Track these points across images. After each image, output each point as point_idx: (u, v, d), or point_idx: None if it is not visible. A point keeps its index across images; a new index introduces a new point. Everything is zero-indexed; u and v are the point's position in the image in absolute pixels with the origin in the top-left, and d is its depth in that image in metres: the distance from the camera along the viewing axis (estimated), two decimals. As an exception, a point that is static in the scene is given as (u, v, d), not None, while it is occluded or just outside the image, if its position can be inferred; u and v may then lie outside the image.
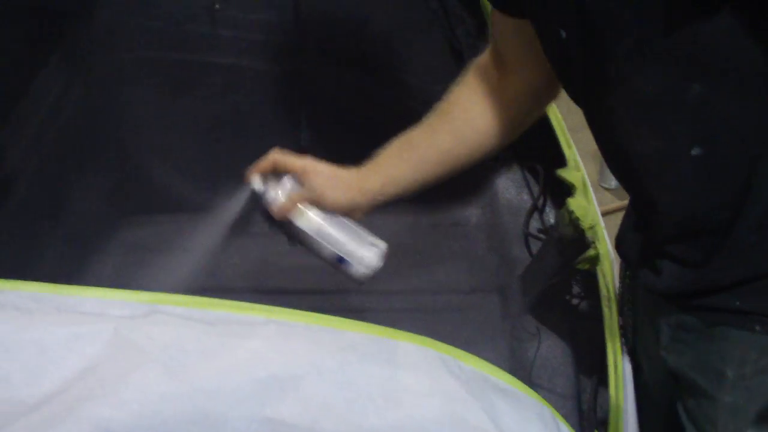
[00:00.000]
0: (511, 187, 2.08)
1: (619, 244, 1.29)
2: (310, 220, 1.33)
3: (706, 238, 1.05)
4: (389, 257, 2.00)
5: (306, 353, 0.96)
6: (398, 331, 1.02)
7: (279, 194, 1.33)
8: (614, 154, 1.11)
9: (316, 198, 1.32)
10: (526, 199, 2.01)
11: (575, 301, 1.70)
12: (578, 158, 1.77)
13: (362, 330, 1.00)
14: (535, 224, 1.93)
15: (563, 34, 1.01)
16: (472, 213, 2.16)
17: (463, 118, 1.33)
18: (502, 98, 1.31)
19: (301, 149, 2.30)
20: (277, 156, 1.34)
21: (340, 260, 1.34)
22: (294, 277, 2.00)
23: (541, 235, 1.87)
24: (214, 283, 2.01)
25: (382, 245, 1.37)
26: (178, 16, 2.25)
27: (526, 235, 1.91)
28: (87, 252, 1.99)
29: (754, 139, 0.94)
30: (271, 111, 2.29)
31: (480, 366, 1.02)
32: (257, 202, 1.37)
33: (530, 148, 1.99)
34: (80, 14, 2.17)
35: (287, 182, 1.33)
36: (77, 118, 2.12)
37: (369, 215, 1.32)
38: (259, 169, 1.35)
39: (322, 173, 1.33)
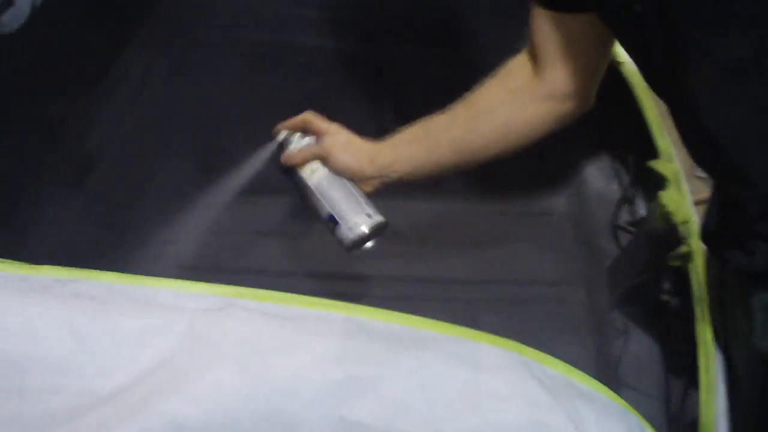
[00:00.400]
0: (600, 177, 2.02)
1: (706, 233, 1.23)
2: (313, 174, 1.42)
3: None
4: (473, 247, 1.98)
5: (385, 352, 0.93)
6: (480, 332, 0.98)
7: (293, 148, 1.45)
8: (696, 135, 1.05)
9: (325, 155, 1.40)
10: (615, 190, 1.95)
11: (665, 298, 1.63)
12: (672, 149, 1.70)
13: (444, 330, 0.97)
14: (625, 216, 1.87)
15: (638, 8, 0.96)
16: (559, 202, 2.10)
17: (484, 110, 1.35)
18: (530, 97, 1.31)
19: (384, 131, 2.28)
20: (308, 115, 1.46)
21: (331, 218, 1.40)
22: (377, 264, 1.97)
23: (631, 228, 1.82)
24: (297, 267, 1.99)
25: (379, 218, 1.40)
26: None
27: (615, 227, 1.85)
28: (169, 232, 1.99)
29: None
30: (355, 93, 2.26)
31: (566, 371, 0.98)
32: (279, 149, 1.49)
33: (620, 136, 1.93)
34: None
35: (306, 139, 1.45)
36: (160, 99, 2.12)
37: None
38: (288, 124, 1.48)
39: (338, 135, 1.43)
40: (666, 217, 1.51)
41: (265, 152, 1.54)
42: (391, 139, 1.42)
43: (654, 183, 1.61)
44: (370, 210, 1.40)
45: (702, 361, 1.32)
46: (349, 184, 1.41)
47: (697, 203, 1.71)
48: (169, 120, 2.15)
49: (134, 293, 0.95)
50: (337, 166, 1.40)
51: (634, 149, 1.86)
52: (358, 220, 1.39)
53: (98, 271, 0.98)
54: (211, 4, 2.26)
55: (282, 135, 1.49)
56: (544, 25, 1.24)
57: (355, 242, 1.40)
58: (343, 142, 1.42)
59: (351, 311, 0.97)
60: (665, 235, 1.53)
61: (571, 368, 0.99)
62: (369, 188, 1.42)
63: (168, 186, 2.06)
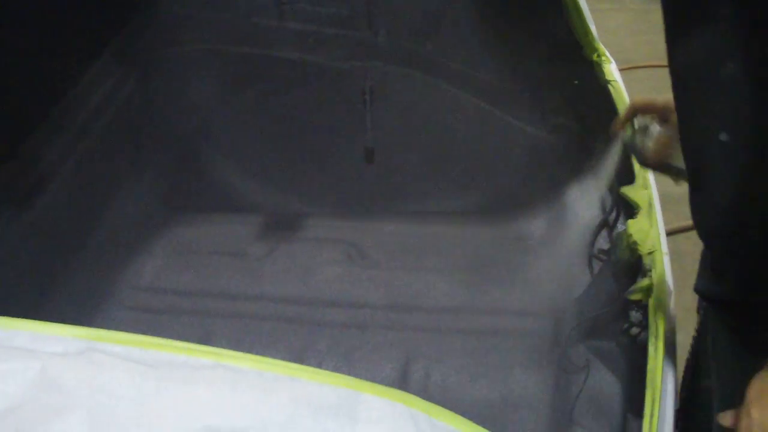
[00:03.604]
0: (582, 201, 1.95)
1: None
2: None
3: (726, 235, 1.03)
4: (441, 272, 1.91)
5: (253, 403, 0.87)
6: (363, 381, 0.91)
7: (645, 141, 1.31)
8: (680, 127, 1.06)
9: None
10: (596, 215, 1.87)
11: (634, 331, 1.55)
12: (648, 174, 1.63)
13: (321, 379, 0.90)
14: (602, 243, 1.79)
15: None
16: (537, 226, 2.04)
17: None
18: None
19: (366, 148, 2.23)
20: (636, 101, 1.34)
21: None
22: (337, 289, 1.92)
23: (604, 257, 1.74)
24: (257, 289, 1.93)
25: None
26: (246, 9, 2.20)
27: (590, 256, 1.77)
28: (130, 251, 1.95)
29: None
30: (337, 107, 2.22)
31: (455, 422, 0.91)
32: (628, 152, 1.39)
33: (605, 161, 1.86)
34: (143, 5, 2.13)
35: (652, 128, 1.30)
36: (130, 112, 2.09)
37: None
38: (624, 119, 1.36)
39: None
40: (632, 247, 1.44)
41: (611, 161, 1.50)
42: None
43: (632, 209, 1.55)
44: None
45: (648, 406, 1.25)
46: None
47: (670, 233, 1.63)
48: (137, 137, 2.12)
49: (-11, 335, 0.90)
50: None
51: (618, 175, 1.79)
52: None
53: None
54: (195, 16, 2.22)
55: (626, 133, 1.37)
56: None
57: None
58: None
59: (221, 357, 0.90)
60: (629, 266, 1.46)
61: (462, 420, 0.91)
62: None
63: (131, 204, 2.02)
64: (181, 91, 2.22)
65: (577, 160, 1.93)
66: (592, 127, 1.90)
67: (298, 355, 1.73)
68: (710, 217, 1.05)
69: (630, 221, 1.49)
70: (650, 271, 1.41)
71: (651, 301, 1.40)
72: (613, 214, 1.80)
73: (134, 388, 0.86)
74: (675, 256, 1.48)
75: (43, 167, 1.83)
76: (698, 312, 1.36)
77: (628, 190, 1.59)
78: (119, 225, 1.98)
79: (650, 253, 1.42)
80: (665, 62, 1.01)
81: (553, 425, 1.56)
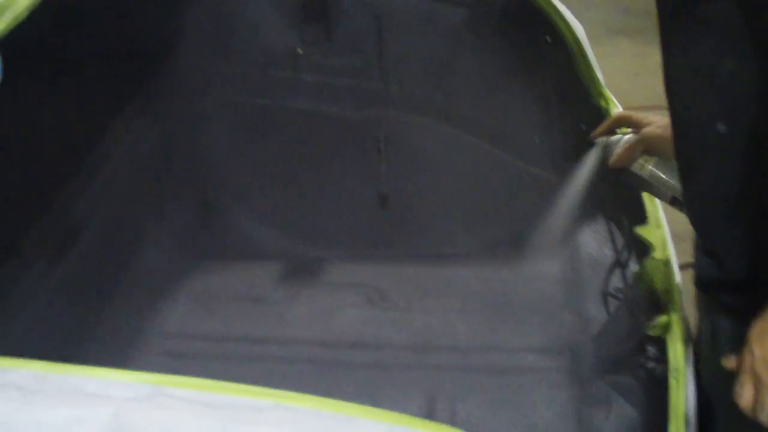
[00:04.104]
0: (594, 241, 2.00)
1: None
2: (644, 166, 1.47)
3: (724, 224, 1.10)
4: (461, 312, 1.96)
5: (313, 442, 0.91)
6: (416, 418, 0.96)
7: (618, 148, 1.50)
8: (673, 124, 1.14)
9: (648, 144, 1.46)
10: (608, 254, 1.93)
11: (651, 366, 1.60)
12: (660, 214, 1.68)
13: (377, 417, 0.95)
14: (616, 282, 1.84)
15: None
16: (551, 266, 2.08)
17: None
18: None
19: (380, 194, 2.28)
20: (620, 114, 1.56)
21: (674, 201, 1.44)
22: (360, 331, 1.96)
23: (620, 295, 1.79)
24: (281, 333, 1.98)
25: None
26: (261, 61, 2.26)
27: (605, 294, 1.82)
28: (156, 299, 2.00)
29: None
30: (352, 157, 2.27)
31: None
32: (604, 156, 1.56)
33: (616, 200, 1.92)
34: (160, 59, 2.19)
35: (626, 137, 1.50)
36: (152, 164, 2.14)
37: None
38: (603, 129, 1.56)
39: (656, 123, 1.45)
40: (648, 285, 1.49)
41: (590, 161, 1.60)
42: None
43: (644, 248, 1.60)
44: None
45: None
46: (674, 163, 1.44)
47: (683, 267, 1.69)
48: (160, 188, 2.17)
49: (62, 382, 0.95)
50: (663, 150, 1.43)
51: (628, 213, 1.84)
52: None
53: (26, 360, 0.97)
54: (211, 69, 2.28)
55: (602, 141, 1.57)
56: None
57: None
58: (664, 126, 1.44)
59: (281, 399, 0.95)
60: (646, 303, 1.51)
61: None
62: None
63: (155, 253, 2.07)
64: (199, 142, 2.28)
65: (588, 202, 1.99)
66: (602, 169, 1.95)
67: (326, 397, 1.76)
68: (707, 206, 1.12)
69: (646, 260, 1.53)
70: (667, 307, 1.45)
71: (670, 336, 1.45)
72: (625, 254, 1.85)
73: (201, 429, 0.90)
74: (686, 290, 1.54)
75: (73, 221, 1.89)
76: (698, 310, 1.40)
77: (641, 230, 1.63)
78: (144, 274, 2.02)
79: (666, 290, 1.46)
80: (664, 104, 1.11)
81: (578, 458, 1.61)
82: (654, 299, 1.49)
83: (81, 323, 1.82)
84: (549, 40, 1.99)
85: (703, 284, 1.24)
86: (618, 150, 1.50)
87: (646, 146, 1.46)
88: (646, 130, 1.46)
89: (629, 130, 1.54)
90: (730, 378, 1.09)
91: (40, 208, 1.82)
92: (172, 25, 2.24)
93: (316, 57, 2.27)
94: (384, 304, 2.03)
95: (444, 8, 2.23)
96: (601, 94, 1.86)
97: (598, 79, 1.88)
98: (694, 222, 1.18)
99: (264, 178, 2.32)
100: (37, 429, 0.89)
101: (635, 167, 1.48)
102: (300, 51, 2.26)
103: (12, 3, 1.45)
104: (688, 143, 1.11)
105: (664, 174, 1.46)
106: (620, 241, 1.91)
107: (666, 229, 1.64)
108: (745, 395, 1.03)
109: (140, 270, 2.03)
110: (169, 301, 2.00)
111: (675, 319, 1.44)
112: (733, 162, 1.02)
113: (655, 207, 1.70)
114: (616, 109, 1.84)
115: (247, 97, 2.31)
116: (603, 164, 1.56)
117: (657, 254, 1.55)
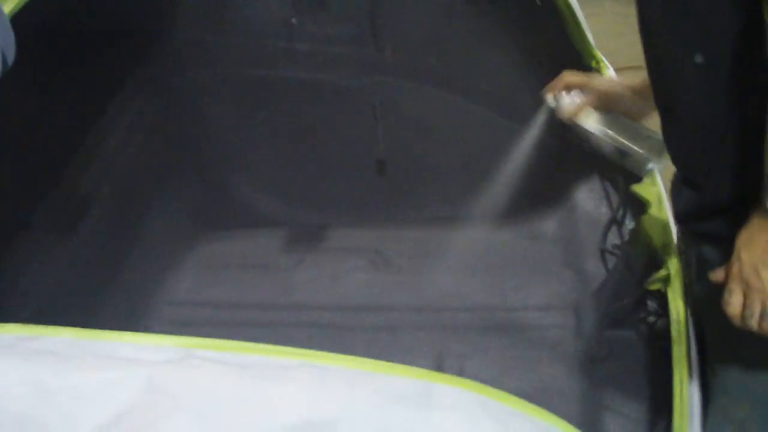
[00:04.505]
0: (589, 200, 2.03)
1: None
2: (589, 119, 1.59)
3: (706, 153, 1.14)
4: (464, 273, 2.00)
5: (340, 397, 0.95)
6: (435, 372, 1.00)
7: (567, 103, 1.60)
8: (649, 63, 1.20)
9: (597, 101, 1.58)
10: (605, 212, 1.96)
11: (651, 320, 1.64)
12: (656, 174, 1.72)
13: (397, 372, 0.99)
14: (613, 239, 1.88)
15: None
16: (549, 226, 2.12)
17: None
18: None
19: (378, 160, 2.31)
20: (566, 74, 1.63)
21: (618, 151, 1.58)
22: (366, 294, 2.00)
23: (618, 251, 1.82)
24: (289, 299, 2.01)
25: (658, 137, 1.50)
26: (255, 32, 2.27)
27: (603, 251, 1.86)
28: (164, 268, 2.03)
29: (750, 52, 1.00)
30: (349, 124, 2.29)
31: (523, 408, 1.00)
32: (551, 115, 1.67)
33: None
34: (157, 34, 2.20)
35: (574, 94, 1.61)
36: (154, 138, 2.16)
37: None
38: (552, 87, 1.65)
39: (602, 81, 1.60)
40: (646, 240, 1.52)
41: (540, 118, 1.71)
42: None
43: (641, 206, 1.63)
44: (649, 133, 1.56)
45: (677, 386, 1.33)
46: (624, 119, 1.58)
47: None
48: (163, 160, 2.19)
49: (95, 347, 0.98)
50: (611, 106, 1.58)
51: (623, 171, 1.88)
52: (642, 144, 1.55)
53: (60, 327, 1.01)
54: (207, 42, 2.30)
55: (550, 98, 1.66)
56: None
57: (645, 165, 1.58)
58: (609, 85, 1.59)
59: (306, 357, 0.99)
60: (645, 258, 1.54)
61: (528, 404, 1.00)
62: (639, 118, 1.58)
63: (161, 224, 2.09)
64: (199, 115, 2.30)
65: (583, 161, 2.02)
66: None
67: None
68: (688, 138, 1.17)
69: (643, 216, 1.56)
70: (666, 261, 1.49)
71: (671, 289, 1.49)
72: (621, 211, 1.89)
73: (233, 388, 0.94)
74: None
75: (80, 196, 1.91)
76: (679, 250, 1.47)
77: (638, 187, 1.66)
78: (151, 245, 2.05)
79: (664, 245, 1.50)
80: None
81: (586, 410, 1.64)
82: (652, 254, 1.52)
83: (92, 295, 1.85)
84: (539, 2, 2.02)
85: (685, 217, 1.30)
86: (566, 105, 1.61)
87: (592, 102, 1.58)
88: (593, 86, 1.58)
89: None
90: (719, 301, 1.14)
91: (48, 183, 1.85)
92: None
93: (310, 26, 2.29)
94: (387, 267, 2.07)
95: (436, -27, 2.25)
96: (593, 56, 1.89)
97: (588, 41, 1.90)
98: (675, 156, 1.23)
99: (263, 147, 2.34)
100: (75, 393, 0.93)
101: (583, 121, 1.61)
102: (294, 21, 2.28)
103: (16, -18, 1.47)
104: (666, 79, 1.16)
105: (609, 127, 1.58)
106: (615, 199, 1.95)
107: (661, 186, 1.67)
108: (733, 302, 1.09)
109: (147, 241, 2.06)
110: (176, 270, 2.04)
111: (674, 272, 1.48)
112: (712, 91, 1.06)
113: (651, 165, 1.73)
114: (608, 69, 1.87)
115: (244, 69, 2.32)
116: (551, 119, 1.67)
117: (653, 210, 1.58)
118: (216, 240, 2.15)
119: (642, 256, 1.58)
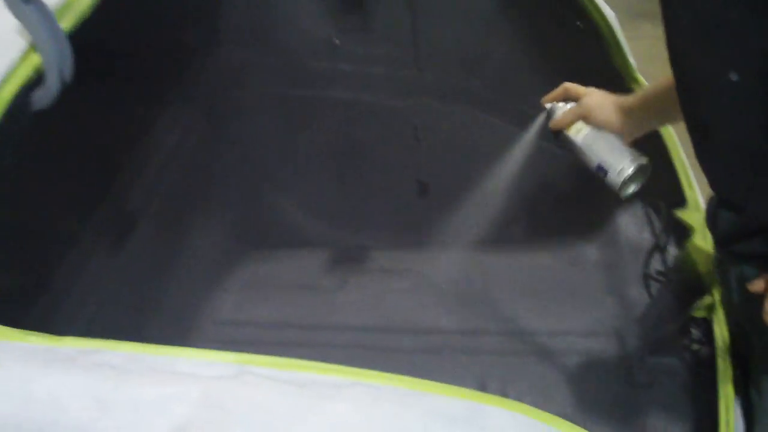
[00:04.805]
0: (632, 225, 2.03)
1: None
2: (579, 133, 1.58)
3: (745, 173, 1.12)
4: (506, 297, 2.00)
5: (391, 417, 0.96)
6: (489, 395, 1.01)
7: (560, 112, 1.62)
8: (680, 83, 1.18)
9: (586, 114, 1.56)
10: (647, 238, 1.96)
11: (695, 348, 1.64)
12: (699, 198, 1.72)
13: (450, 393, 0.99)
14: (656, 265, 1.87)
15: None
16: (591, 251, 2.11)
17: None
18: None
19: (419, 182, 2.32)
20: (566, 84, 1.63)
21: (599, 168, 1.55)
22: (410, 316, 2.00)
23: (661, 278, 1.82)
24: (333, 320, 2.02)
25: (642, 160, 1.52)
26: (299, 52, 2.29)
27: (646, 277, 1.86)
28: (208, 286, 2.05)
29: None
30: (391, 145, 2.31)
31: (570, 431, 1.00)
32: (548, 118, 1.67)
33: (654, 185, 1.95)
34: (202, 53, 2.23)
35: (568, 105, 1.62)
36: (198, 155, 2.19)
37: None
38: (550, 96, 1.66)
39: (595, 95, 1.57)
40: (690, 267, 1.52)
41: (536, 124, 1.72)
42: (643, 93, 1.52)
43: (686, 231, 1.63)
44: (634, 155, 1.53)
45: (722, 413, 1.33)
46: (610, 136, 1.56)
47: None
48: (208, 178, 2.22)
49: (153, 362, 1.00)
50: (598, 122, 1.55)
51: (666, 197, 1.88)
52: (624, 164, 1.51)
53: (119, 341, 1.02)
54: (252, 61, 2.32)
55: (548, 106, 1.67)
56: None
57: (624, 184, 1.53)
58: (600, 100, 1.56)
59: (358, 376, 1.00)
60: (690, 285, 1.54)
61: (579, 429, 1.00)
62: (629, 137, 1.55)
63: (206, 243, 2.11)
64: (243, 133, 2.32)
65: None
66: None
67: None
68: (724, 159, 1.15)
69: (689, 242, 1.57)
70: (711, 288, 1.49)
71: (716, 317, 1.49)
72: (664, 237, 1.88)
73: (287, 405, 0.95)
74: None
75: (129, 211, 1.94)
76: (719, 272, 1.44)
77: (682, 213, 1.67)
78: (196, 263, 2.07)
79: (709, 272, 1.50)
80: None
81: (630, 437, 1.64)
82: (696, 281, 1.52)
83: (139, 312, 1.87)
84: (581, 26, 2.02)
85: (725, 240, 1.27)
86: (558, 115, 1.62)
87: (583, 115, 1.57)
88: (584, 100, 1.57)
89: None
90: (761, 315, 1.13)
91: (97, 199, 1.88)
92: (212, 18, 2.28)
93: (352, 47, 2.31)
94: (430, 290, 2.08)
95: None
96: (635, 79, 1.89)
97: (630, 64, 1.91)
98: (712, 178, 1.21)
99: (306, 167, 2.36)
100: (134, 406, 0.95)
101: (571, 132, 1.60)
102: (337, 41, 2.30)
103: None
104: (699, 99, 1.13)
105: (593, 142, 1.56)
106: (658, 225, 1.94)
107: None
108: None
109: (192, 259, 2.08)
110: (221, 289, 2.05)
111: (718, 299, 1.48)
112: (750, 109, 1.04)
113: (693, 191, 1.74)
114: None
115: (287, 89, 2.35)
116: (546, 126, 1.68)
117: (697, 237, 1.58)
118: (259, 259, 2.17)
119: (686, 283, 1.58)
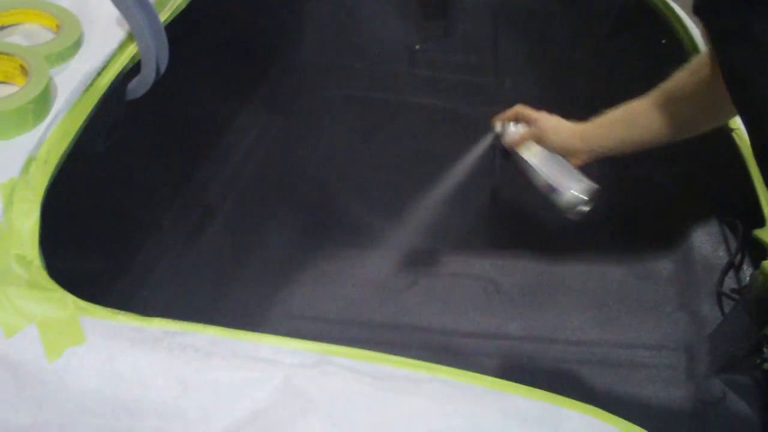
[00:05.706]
0: (707, 242, 2.01)
1: None
2: (532, 152, 1.69)
3: None
4: (575, 307, 1.99)
5: (468, 414, 0.97)
6: (563, 398, 1.01)
7: (512, 132, 1.72)
8: (745, 111, 1.12)
9: (540, 136, 1.66)
10: (722, 256, 1.94)
11: (767, 366, 1.62)
12: None
13: (526, 394, 1.00)
14: (730, 283, 1.86)
15: None
16: (664, 266, 2.10)
17: (677, 96, 1.49)
18: (712, 88, 1.37)
19: (493, 189, 2.32)
20: (519, 107, 1.73)
21: (549, 188, 1.66)
22: (477, 320, 2.01)
23: (735, 295, 1.81)
24: (402, 320, 2.03)
25: (590, 184, 1.63)
26: (379, 56, 2.32)
27: (719, 294, 1.84)
28: (279, 281, 2.07)
29: None
30: (467, 151, 2.31)
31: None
32: (497, 141, 1.79)
33: (730, 202, 1.93)
34: (283, 53, 2.27)
35: (520, 126, 1.72)
36: (275, 153, 2.22)
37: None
38: (502, 116, 1.76)
39: (549, 119, 1.67)
40: (766, 286, 1.51)
41: (485, 142, 1.84)
42: (597, 120, 1.60)
43: (760, 251, 1.61)
44: (583, 178, 1.64)
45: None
46: (562, 159, 1.66)
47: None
48: (283, 176, 2.25)
49: (236, 347, 1.02)
50: (551, 144, 1.65)
51: (743, 216, 1.86)
52: (574, 186, 1.63)
53: (204, 324, 1.05)
54: (332, 63, 2.36)
55: (498, 125, 1.77)
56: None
57: (572, 204, 1.64)
58: (555, 124, 1.66)
59: (436, 372, 1.01)
60: (765, 304, 1.53)
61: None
62: (578, 161, 1.65)
63: (278, 238, 2.14)
64: (318, 133, 2.36)
65: (702, 203, 2.01)
66: (717, 173, 1.97)
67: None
68: None
69: (764, 262, 1.55)
70: (787, 308, 1.48)
71: (790, 337, 1.47)
72: (739, 256, 1.87)
73: (365, 396, 0.97)
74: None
75: (207, 204, 1.98)
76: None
77: (761, 232, 1.65)
78: (267, 257, 2.10)
79: (786, 292, 1.49)
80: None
81: (697, 452, 1.63)
82: (772, 300, 1.51)
83: (212, 305, 1.90)
84: (665, 42, 2.02)
85: None
86: (510, 135, 1.73)
87: (538, 136, 1.67)
88: (541, 123, 1.67)
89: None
90: None
91: (177, 190, 1.92)
92: (294, 20, 2.32)
93: (432, 53, 2.33)
94: (499, 296, 2.08)
95: (560, 7, 2.27)
96: None
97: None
98: None
99: (379, 169, 2.38)
100: (215, 388, 0.97)
101: (522, 151, 1.71)
102: (418, 47, 2.32)
103: (170, -5, 1.54)
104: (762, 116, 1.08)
105: (544, 164, 1.67)
106: (734, 243, 1.93)
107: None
108: None
109: (265, 253, 2.11)
110: (290, 284, 2.07)
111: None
112: None
113: (773, 210, 1.72)
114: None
115: (365, 91, 2.38)
116: (496, 143, 1.79)
117: (775, 256, 1.57)
118: (329, 257, 2.18)
119: (761, 302, 1.56)
